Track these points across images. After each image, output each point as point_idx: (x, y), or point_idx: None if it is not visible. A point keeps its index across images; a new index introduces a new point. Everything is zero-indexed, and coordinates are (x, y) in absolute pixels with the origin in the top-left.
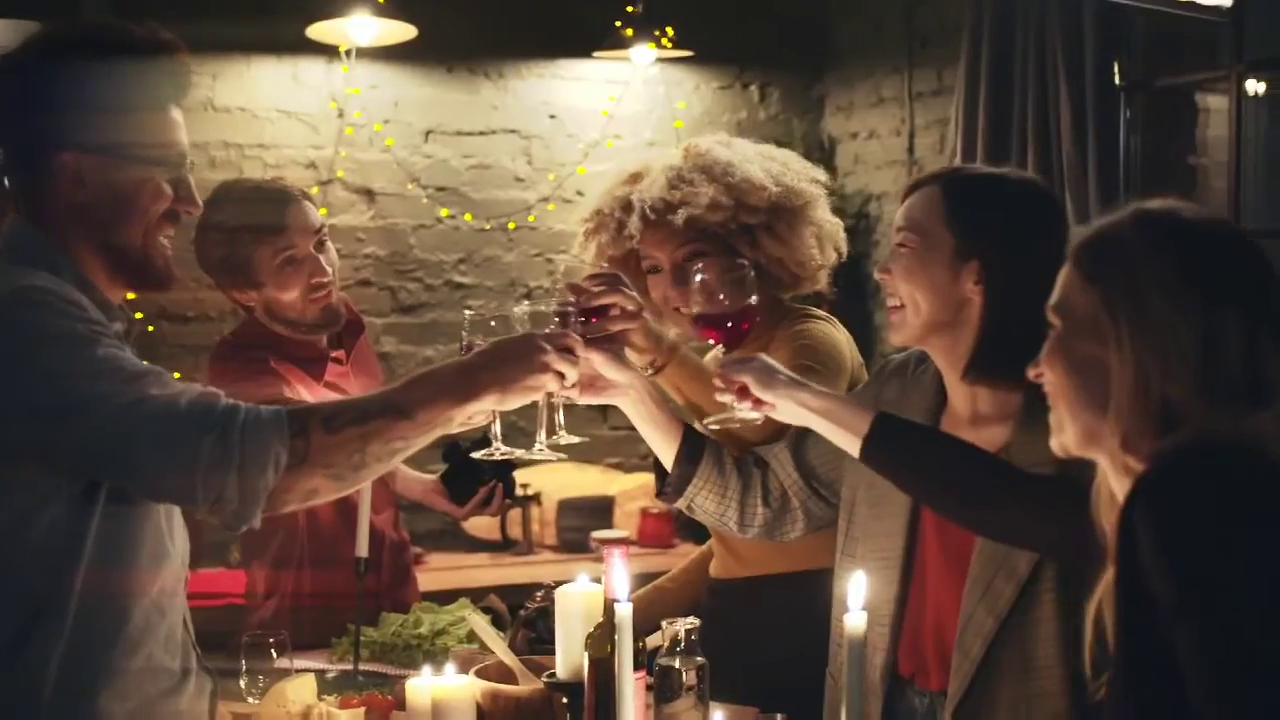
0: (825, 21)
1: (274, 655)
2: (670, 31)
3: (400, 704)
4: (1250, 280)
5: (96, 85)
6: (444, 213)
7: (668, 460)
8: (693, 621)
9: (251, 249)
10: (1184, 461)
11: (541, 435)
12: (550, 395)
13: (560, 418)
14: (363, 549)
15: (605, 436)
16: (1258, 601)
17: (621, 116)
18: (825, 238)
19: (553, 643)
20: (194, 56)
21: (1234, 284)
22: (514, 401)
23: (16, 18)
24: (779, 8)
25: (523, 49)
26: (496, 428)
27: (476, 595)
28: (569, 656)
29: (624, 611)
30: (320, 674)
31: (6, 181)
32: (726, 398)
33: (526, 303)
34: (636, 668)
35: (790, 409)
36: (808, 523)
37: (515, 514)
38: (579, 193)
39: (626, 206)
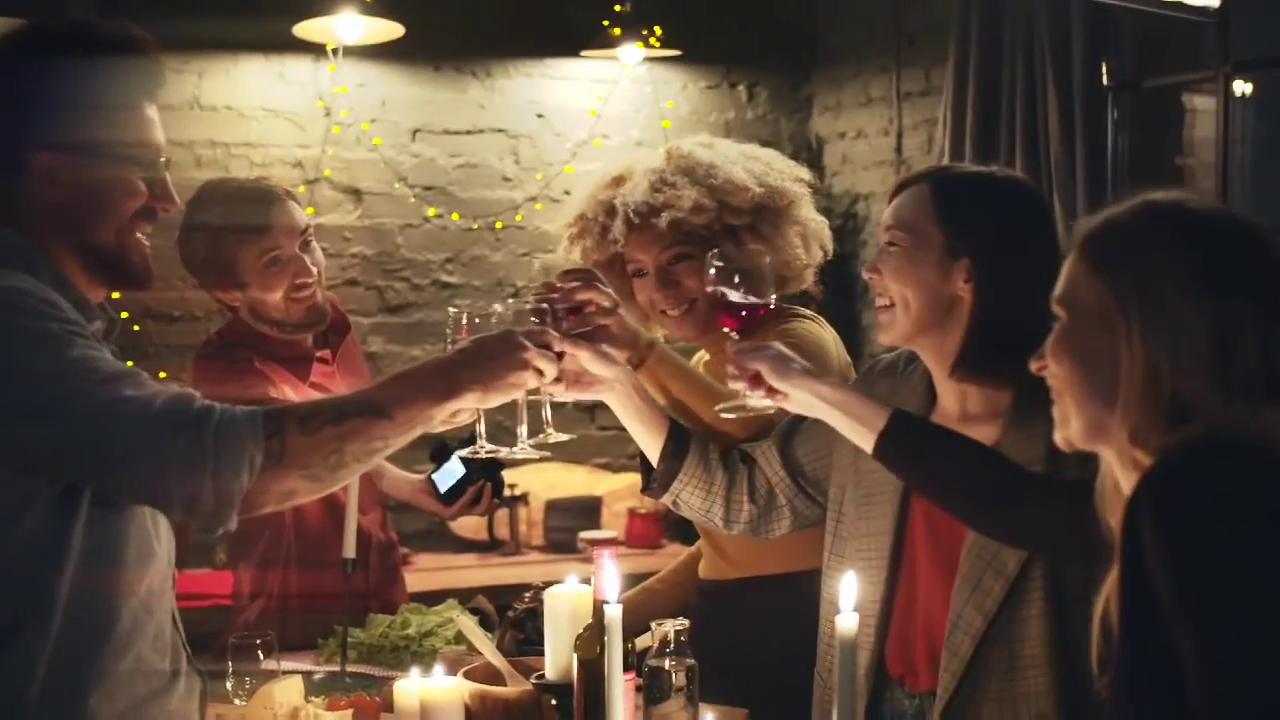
0: (813, 21)
1: (261, 657)
2: (658, 31)
3: (388, 706)
4: (1264, 274)
5: (68, 84)
6: (431, 212)
7: (653, 455)
8: (682, 623)
9: (235, 249)
10: (1192, 457)
11: (522, 432)
12: (536, 392)
13: (549, 414)
14: (350, 549)
15: (593, 437)
16: (1262, 601)
17: (609, 116)
18: (811, 236)
19: (541, 644)
20: (180, 55)
21: (1248, 277)
22: (495, 399)
23: (0, 15)
24: (767, 8)
25: (510, 48)
26: (482, 426)
27: (464, 596)
28: (558, 658)
29: (614, 613)
30: (307, 675)
31: None
32: (739, 385)
33: (511, 300)
34: (626, 669)
35: (805, 399)
36: (794, 520)
37: (502, 514)
38: (566, 192)
39: (610, 211)
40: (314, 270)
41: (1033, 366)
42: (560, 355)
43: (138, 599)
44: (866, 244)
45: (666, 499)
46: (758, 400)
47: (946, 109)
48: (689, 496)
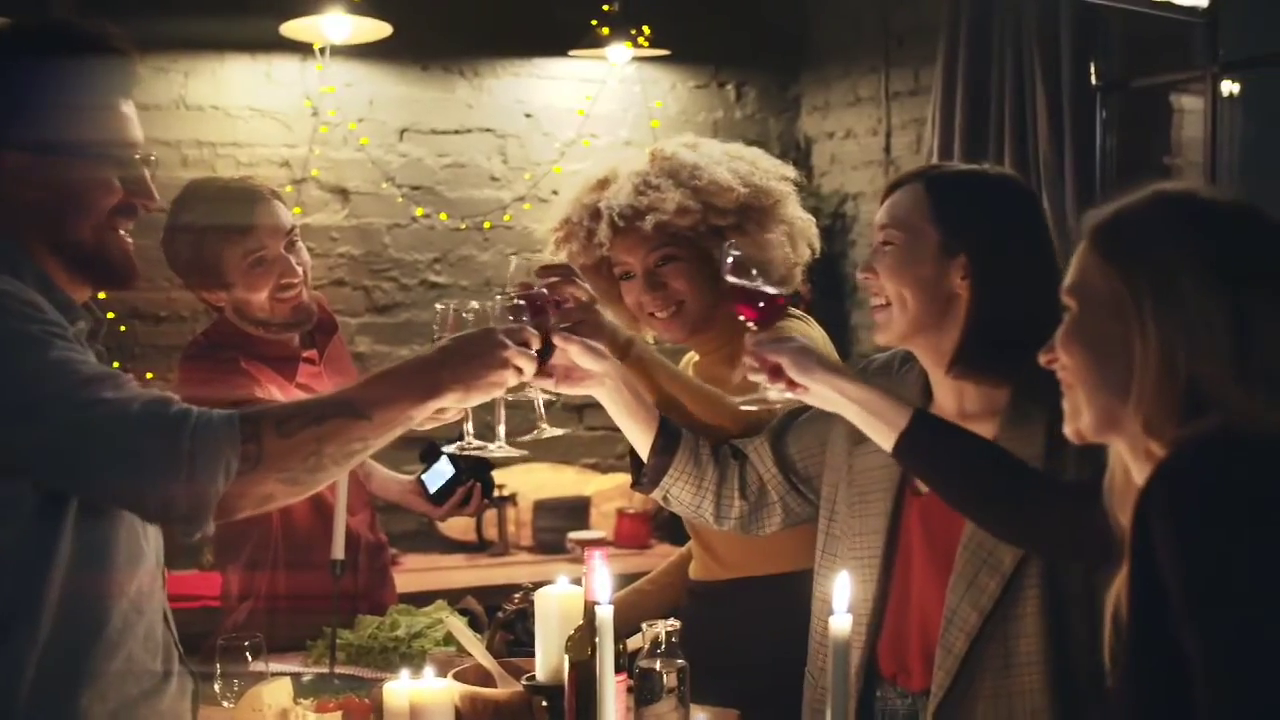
0: (802, 21)
1: (249, 658)
2: (646, 30)
3: (377, 707)
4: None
5: (38, 83)
6: (419, 212)
7: (644, 450)
8: (673, 623)
9: (220, 249)
10: (1207, 449)
11: (500, 431)
12: (520, 389)
13: (541, 408)
14: (339, 551)
15: (581, 437)
16: (1272, 599)
17: (597, 115)
18: (797, 235)
19: (531, 645)
20: (166, 54)
21: (1266, 266)
22: (477, 398)
23: None
24: (755, 7)
25: (498, 47)
26: (469, 425)
27: (452, 597)
28: (548, 659)
29: (605, 614)
30: (296, 677)
31: None
32: (759, 377)
33: (498, 296)
34: (617, 670)
35: (826, 395)
36: (785, 517)
37: (491, 515)
38: (554, 192)
39: (595, 214)
40: (299, 270)
41: (1042, 359)
42: (543, 352)
43: (128, 599)
44: (856, 244)
45: (656, 494)
46: (778, 393)
47: (935, 109)
48: (679, 492)
